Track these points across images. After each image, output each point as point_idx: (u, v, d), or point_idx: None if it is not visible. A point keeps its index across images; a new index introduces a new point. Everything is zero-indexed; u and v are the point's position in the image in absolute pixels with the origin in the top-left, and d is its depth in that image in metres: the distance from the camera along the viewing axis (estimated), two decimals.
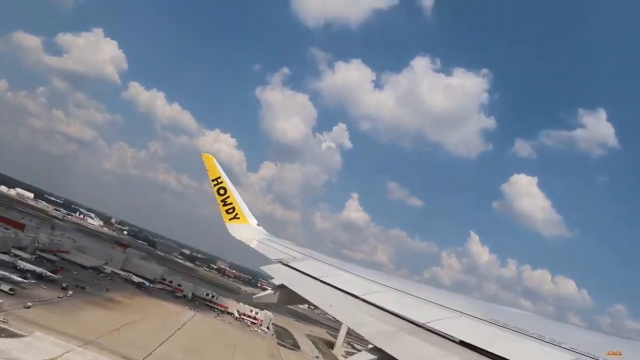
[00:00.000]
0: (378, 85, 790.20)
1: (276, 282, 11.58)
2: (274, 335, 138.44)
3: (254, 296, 12.19)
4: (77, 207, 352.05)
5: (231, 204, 21.34)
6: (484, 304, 8.88)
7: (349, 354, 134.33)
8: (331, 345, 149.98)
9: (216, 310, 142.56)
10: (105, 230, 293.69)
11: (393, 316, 7.30)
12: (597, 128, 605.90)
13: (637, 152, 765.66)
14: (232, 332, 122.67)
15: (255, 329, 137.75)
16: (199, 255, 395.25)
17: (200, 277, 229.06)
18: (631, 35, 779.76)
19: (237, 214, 21.19)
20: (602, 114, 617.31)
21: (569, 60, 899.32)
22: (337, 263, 13.08)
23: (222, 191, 21.51)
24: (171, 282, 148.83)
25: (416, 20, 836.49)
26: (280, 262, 13.30)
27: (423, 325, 6.55)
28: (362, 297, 8.60)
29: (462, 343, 5.81)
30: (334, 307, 8.68)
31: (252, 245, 17.60)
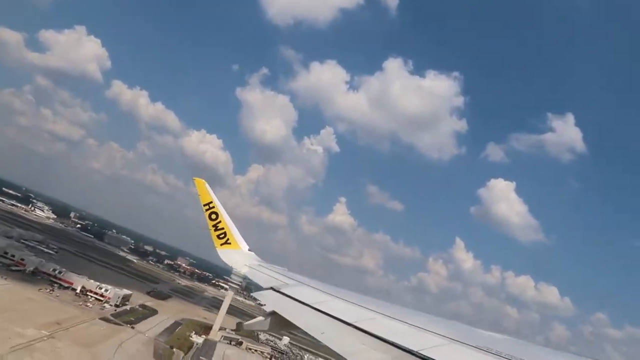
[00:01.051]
0: (352, 86, 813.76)
1: (267, 309, 11.62)
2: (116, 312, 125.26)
3: (245, 323, 11.91)
4: (35, 200, 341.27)
5: (222, 229, 21.69)
6: (475, 331, 8.93)
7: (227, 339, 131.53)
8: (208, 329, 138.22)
9: (56, 285, 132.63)
10: (49, 222, 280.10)
11: (385, 343, 7.21)
12: (565, 132, 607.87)
13: (605, 157, 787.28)
14: (38, 302, 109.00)
15: (89, 305, 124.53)
16: (163, 253, 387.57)
17: (123, 269, 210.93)
18: (599, 40, 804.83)
19: (228, 239, 21.45)
20: (570, 118, 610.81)
21: (538, 64, 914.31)
22: (328, 289, 13.09)
23: (213, 216, 21.86)
24: (13, 255, 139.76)
25: (384, 19, 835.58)
26: (272, 288, 13.48)
27: (416, 353, 6.45)
28: (354, 324, 8.58)
29: None
30: (325, 335, 8.61)
31: (243, 272, 18.06)
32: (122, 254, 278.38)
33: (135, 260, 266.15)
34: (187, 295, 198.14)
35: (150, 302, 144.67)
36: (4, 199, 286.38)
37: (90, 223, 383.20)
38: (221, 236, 21.30)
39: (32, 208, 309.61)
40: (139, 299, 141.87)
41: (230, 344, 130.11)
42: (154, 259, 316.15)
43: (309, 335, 8.77)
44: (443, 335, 7.21)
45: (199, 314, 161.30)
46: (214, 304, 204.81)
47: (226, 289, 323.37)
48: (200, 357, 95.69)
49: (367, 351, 7.01)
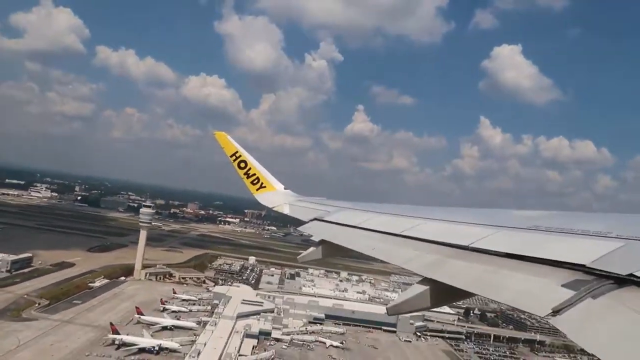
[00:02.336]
0: None
1: (316, 238, 12.07)
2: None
3: (298, 257, 12.84)
4: (38, 185, 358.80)
5: (254, 174, 22.15)
6: (520, 214, 9.13)
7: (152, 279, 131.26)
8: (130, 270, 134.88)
9: None
10: (39, 202, 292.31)
11: (436, 245, 7.50)
12: None
13: None
14: None
15: None
16: (176, 202, 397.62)
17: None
18: None
19: (262, 183, 21.88)
20: None
21: None
22: (369, 207, 13.38)
23: (242, 164, 22.24)
24: None
25: None
26: (316, 219, 13.80)
27: (467, 247, 6.75)
28: (402, 233, 8.78)
29: (509, 255, 5.90)
30: (376, 250, 8.97)
31: (285, 211, 18.33)
32: (113, 214, 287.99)
33: (120, 218, 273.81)
34: (153, 240, 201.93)
35: (79, 257, 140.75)
36: None
37: (96, 192, 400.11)
38: (255, 182, 21.75)
39: (29, 192, 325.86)
40: (74, 256, 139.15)
41: (157, 278, 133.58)
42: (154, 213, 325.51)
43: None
44: (490, 225, 7.42)
45: (147, 257, 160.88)
46: (189, 243, 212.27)
47: (229, 223, 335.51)
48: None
49: (420, 256, 7.33)
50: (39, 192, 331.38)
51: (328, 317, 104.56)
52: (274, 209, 19.31)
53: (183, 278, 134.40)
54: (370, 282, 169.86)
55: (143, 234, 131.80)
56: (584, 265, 4.72)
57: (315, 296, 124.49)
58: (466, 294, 5.84)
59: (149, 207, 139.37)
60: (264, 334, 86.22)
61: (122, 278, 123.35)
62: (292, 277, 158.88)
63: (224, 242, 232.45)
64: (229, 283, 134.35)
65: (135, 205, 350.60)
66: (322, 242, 11.77)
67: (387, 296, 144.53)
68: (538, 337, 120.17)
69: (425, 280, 6.23)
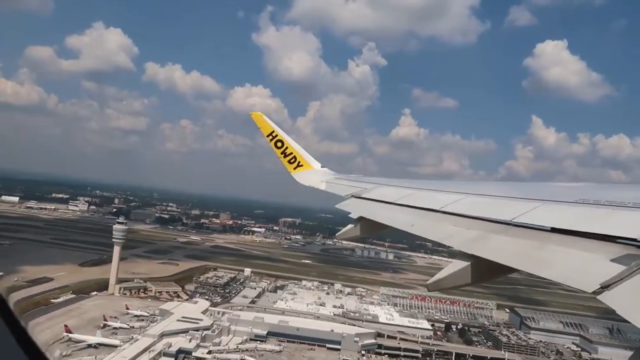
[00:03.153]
0: None
1: (354, 215, 12.50)
2: None
3: (336, 234, 13.98)
4: (79, 198, 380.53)
5: (291, 153, 22.61)
6: (567, 186, 8.95)
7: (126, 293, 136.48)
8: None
9: None
10: (71, 215, 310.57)
11: (477, 220, 7.30)
12: None
13: None
14: None
15: None
16: (211, 212, 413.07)
17: None
18: None
19: (299, 162, 22.47)
20: None
21: None
22: (408, 184, 13.39)
23: (279, 144, 22.76)
24: None
25: None
26: (353, 196, 14.18)
27: (510, 222, 6.56)
28: (442, 209, 8.62)
29: (554, 230, 5.72)
30: (415, 227, 8.77)
31: (322, 188, 18.79)
32: (138, 226, 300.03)
33: (142, 230, 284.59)
34: (156, 253, 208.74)
35: (63, 272, 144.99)
36: (32, 206, 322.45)
37: (136, 204, 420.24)
38: (292, 161, 22.63)
39: (67, 206, 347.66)
40: (60, 271, 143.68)
41: (131, 293, 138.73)
42: (178, 224, 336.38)
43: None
44: (534, 199, 7.37)
45: (137, 270, 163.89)
46: (194, 255, 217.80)
47: (253, 233, 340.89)
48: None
49: (460, 232, 7.39)
50: (76, 205, 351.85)
51: (271, 334, 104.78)
52: (311, 187, 20.00)
53: (159, 292, 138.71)
54: (360, 295, 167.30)
55: (117, 250, 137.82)
56: (635, 240, 4.71)
57: (282, 313, 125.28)
58: (509, 270, 5.91)
59: (122, 223, 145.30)
60: (184, 353, 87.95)
61: (94, 293, 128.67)
62: (275, 290, 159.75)
63: (233, 253, 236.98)
64: (195, 297, 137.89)
65: (167, 217, 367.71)
66: (360, 219, 12.23)
67: (367, 310, 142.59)
68: (507, 356, 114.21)
69: (465, 256, 6.39)
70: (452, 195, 9.70)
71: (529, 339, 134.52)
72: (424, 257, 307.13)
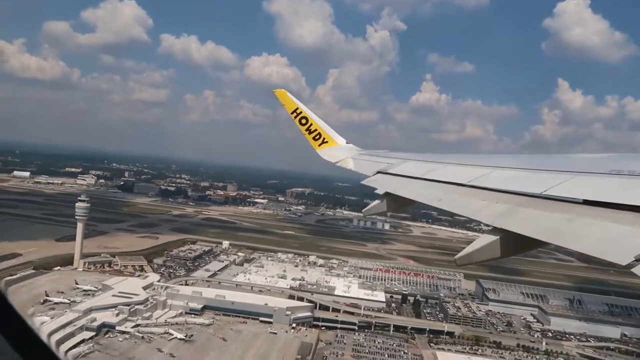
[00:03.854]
0: None
1: (380, 191, 12.37)
2: None
3: (363, 210, 13.34)
4: (88, 173, 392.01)
5: (316, 130, 22.75)
6: (599, 157, 8.74)
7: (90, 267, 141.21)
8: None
9: None
10: (77, 189, 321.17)
11: (506, 194, 7.31)
12: None
13: None
14: None
15: None
16: (221, 184, 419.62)
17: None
18: None
19: (324, 138, 22.60)
20: None
21: None
22: (435, 158, 13.42)
23: (303, 121, 22.90)
24: None
25: None
26: (379, 172, 14.19)
27: (540, 195, 6.50)
28: (469, 183, 8.59)
29: (587, 202, 5.64)
30: (442, 201, 8.88)
31: (349, 166, 18.80)
32: (139, 199, 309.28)
33: (141, 204, 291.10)
34: (143, 226, 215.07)
35: (34, 247, 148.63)
36: (40, 181, 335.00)
37: (146, 176, 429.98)
38: (316, 137, 22.91)
39: (75, 180, 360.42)
40: (34, 246, 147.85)
41: (96, 267, 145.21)
42: (180, 197, 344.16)
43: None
44: (565, 171, 7.26)
45: (114, 245, 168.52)
46: (181, 227, 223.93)
47: (255, 204, 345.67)
48: None
49: (488, 206, 7.31)
50: (84, 179, 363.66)
51: (208, 308, 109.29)
52: (336, 163, 20.19)
53: (124, 266, 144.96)
54: (330, 267, 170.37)
55: (80, 226, 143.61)
56: None
57: (237, 286, 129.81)
58: (539, 244, 5.87)
59: (83, 201, 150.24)
60: (107, 327, 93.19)
61: (57, 268, 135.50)
62: (242, 263, 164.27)
63: (222, 225, 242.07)
64: (161, 271, 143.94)
65: (173, 189, 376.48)
66: (387, 195, 12.19)
67: (327, 282, 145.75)
68: (446, 327, 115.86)
69: (495, 230, 6.35)
70: (479, 169, 9.69)
71: (488, 310, 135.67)
72: (423, 227, 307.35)
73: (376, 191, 12.89)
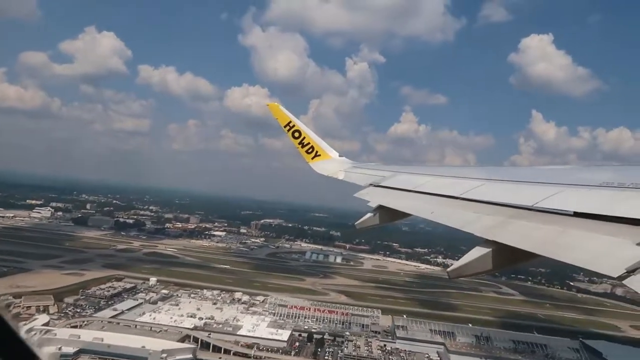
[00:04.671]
0: None
1: (373, 204, 12.57)
2: None
3: (356, 223, 13.11)
4: (43, 206, 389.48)
5: (309, 143, 22.87)
6: (589, 170, 8.82)
7: None
8: None
9: None
10: (26, 222, 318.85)
11: (498, 206, 7.34)
12: None
13: None
14: None
15: None
16: (184, 216, 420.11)
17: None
18: None
19: (317, 151, 22.73)
20: None
21: None
22: (427, 170, 13.81)
23: (296, 134, 23.01)
24: None
25: None
26: (372, 184, 14.29)
27: (531, 208, 6.51)
28: (462, 196, 8.69)
29: (578, 214, 5.66)
30: (435, 214, 8.82)
31: (340, 177, 18.90)
32: (88, 233, 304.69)
33: (87, 238, 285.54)
34: (74, 262, 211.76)
35: None
36: None
37: (109, 209, 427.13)
38: (309, 151, 23.08)
39: (29, 213, 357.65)
40: None
41: None
42: (135, 230, 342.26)
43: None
44: (555, 183, 7.33)
45: (30, 283, 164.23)
46: (115, 263, 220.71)
47: (211, 237, 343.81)
48: None
49: (480, 218, 7.36)
50: (39, 212, 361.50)
51: (84, 352, 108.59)
52: (329, 176, 20.37)
53: (27, 307, 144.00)
54: (251, 304, 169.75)
55: None
56: None
57: (135, 326, 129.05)
58: (531, 256, 5.90)
59: None
60: None
61: None
62: (156, 302, 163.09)
63: (162, 260, 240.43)
64: (66, 311, 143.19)
65: (132, 221, 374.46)
66: (380, 208, 12.33)
67: (238, 321, 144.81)
68: None
69: (487, 243, 6.44)
70: (471, 181, 9.77)
71: (395, 348, 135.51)
72: (378, 259, 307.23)
73: (369, 204, 13.14)
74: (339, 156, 23.32)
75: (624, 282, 4.06)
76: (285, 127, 23.49)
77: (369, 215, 12.85)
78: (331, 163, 22.29)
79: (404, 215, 11.21)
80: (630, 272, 4.07)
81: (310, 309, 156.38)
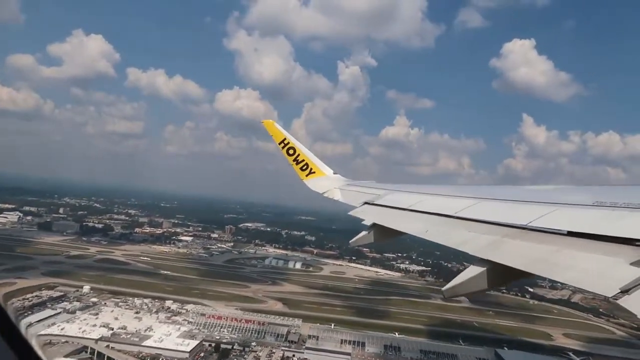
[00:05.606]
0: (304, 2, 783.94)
1: (367, 222, 12.91)
2: None
3: (350, 241, 13.60)
4: (20, 208, 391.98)
5: (303, 160, 23.73)
6: (582, 189, 9.11)
7: None
8: None
9: None
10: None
11: (492, 225, 7.54)
12: None
13: None
14: None
15: None
16: (157, 220, 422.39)
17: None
18: None
19: (311, 169, 23.58)
20: None
21: None
22: (422, 189, 13.79)
23: (291, 151, 23.93)
24: None
25: None
26: (366, 203, 14.64)
27: (526, 227, 6.71)
28: (456, 215, 8.88)
29: (571, 234, 5.80)
30: (429, 232, 9.05)
31: (336, 197, 19.30)
32: (48, 238, 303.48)
33: (44, 243, 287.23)
34: (15, 270, 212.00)
35: None
36: None
37: (82, 213, 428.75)
38: (304, 168, 23.92)
39: None
40: None
41: None
42: (99, 235, 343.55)
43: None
44: (549, 203, 7.47)
45: None
46: (55, 271, 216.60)
47: (176, 243, 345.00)
48: None
49: (475, 238, 7.49)
50: (6, 217, 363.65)
51: None
52: (324, 194, 20.91)
53: None
54: (176, 313, 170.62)
55: None
56: None
57: (40, 337, 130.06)
58: (525, 275, 6.04)
59: None
60: None
61: None
62: (74, 311, 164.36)
63: (110, 268, 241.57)
64: None
65: (101, 226, 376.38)
66: (374, 226, 12.59)
67: (151, 331, 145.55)
68: None
69: (481, 262, 6.54)
70: (465, 200, 9.96)
71: (303, 359, 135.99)
72: (340, 265, 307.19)
73: (363, 222, 13.39)
74: (333, 173, 23.87)
75: (618, 301, 4.10)
76: (280, 144, 24.19)
77: (363, 233, 13.07)
78: (325, 180, 22.83)
79: (399, 233, 11.26)
80: (625, 291, 4.12)
81: (227, 318, 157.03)
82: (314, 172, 23.40)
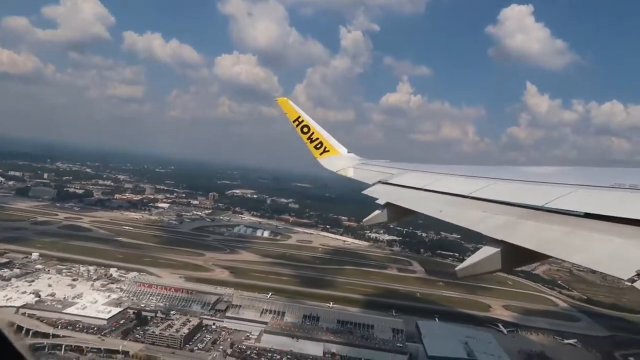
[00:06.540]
0: None
1: (381, 201, 13.16)
2: None
3: (363, 220, 13.90)
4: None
5: (317, 139, 24.21)
6: (601, 171, 9.21)
7: None
8: None
9: None
10: None
11: (508, 206, 7.79)
12: None
13: None
14: None
15: None
16: (131, 186, 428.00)
17: None
18: None
19: (325, 147, 24.12)
20: None
21: None
22: (437, 169, 14.43)
23: (305, 129, 24.32)
24: None
25: None
26: (380, 182, 14.95)
27: (541, 208, 6.94)
28: (471, 195, 9.19)
29: (588, 215, 6.00)
30: (444, 212, 9.35)
31: (349, 175, 19.83)
32: (22, 204, 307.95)
33: (17, 209, 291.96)
34: None
35: None
36: None
37: (68, 177, 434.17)
38: (318, 146, 24.04)
39: None
40: None
41: None
42: (76, 200, 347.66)
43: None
44: (566, 184, 7.51)
45: None
46: (12, 238, 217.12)
47: (152, 209, 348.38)
48: None
49: (489, 217, 7.63)
50: None
51: None
52: (337, 172, 21.00)
53: None
54: (114, 280, 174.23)
55: None
56: None
57: None
58: (540, 256, 6.19)
59: None
60: None
61: None
62: (9, 278, 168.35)
63: (71, 234, 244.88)
64: None
65: (82, 191, 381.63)
66: (387, 205, 12.61)
67: (79, 298, 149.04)
68: (122, 347, 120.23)
69: (495, 242, 6.64)
70: (481, 180, 10.00)
71: (222, 327, 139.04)
72: (311, 234, 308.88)
73: (377, 201, 13.34)
74: (348, 152, 24.04)
75: (634, 284, 4.10)
76: (294, 122, 24.10)
77: (377, 212, 13.01)
78: (340, 159, 22.96)
79: (412, 213, 11.35)
80: None
81: (158, 287, 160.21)
82: (328, 151, 23.55)
